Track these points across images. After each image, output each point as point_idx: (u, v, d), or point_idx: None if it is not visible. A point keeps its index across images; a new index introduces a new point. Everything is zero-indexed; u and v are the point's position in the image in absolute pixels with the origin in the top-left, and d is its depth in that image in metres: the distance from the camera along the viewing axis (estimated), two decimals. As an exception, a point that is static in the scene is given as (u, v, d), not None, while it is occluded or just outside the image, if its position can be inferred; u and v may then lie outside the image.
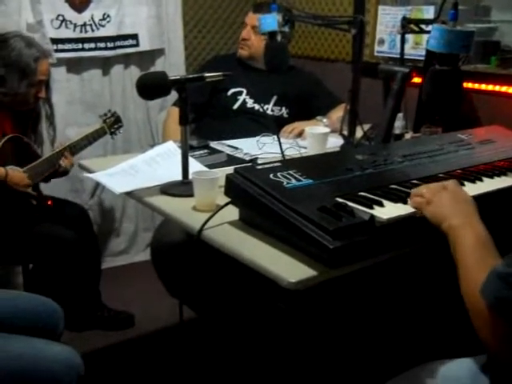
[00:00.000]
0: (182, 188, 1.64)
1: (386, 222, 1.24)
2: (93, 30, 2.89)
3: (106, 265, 2.95)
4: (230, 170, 1.46)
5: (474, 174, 1.56)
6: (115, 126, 2.53)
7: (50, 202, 2.35)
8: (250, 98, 2.68)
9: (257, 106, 2.67)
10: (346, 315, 1.93)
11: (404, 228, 1.26)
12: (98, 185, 3.01)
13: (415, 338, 1.94)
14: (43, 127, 2.47)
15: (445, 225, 1.16)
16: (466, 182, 1.50)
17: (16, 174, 2.12)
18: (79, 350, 1.48)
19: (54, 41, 2.78)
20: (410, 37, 2.62)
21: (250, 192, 1.33)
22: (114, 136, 2.56)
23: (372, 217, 1.23)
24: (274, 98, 2.71)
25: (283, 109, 2.72)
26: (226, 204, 1.44)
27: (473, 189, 1.47)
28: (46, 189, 2.50)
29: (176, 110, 2.44)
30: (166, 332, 2.57)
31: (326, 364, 1.90)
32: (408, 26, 2.21)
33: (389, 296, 1.95)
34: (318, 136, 2.09)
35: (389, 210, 1.28)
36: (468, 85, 2.37)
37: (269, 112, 2.67)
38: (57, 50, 2.80)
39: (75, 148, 2.37)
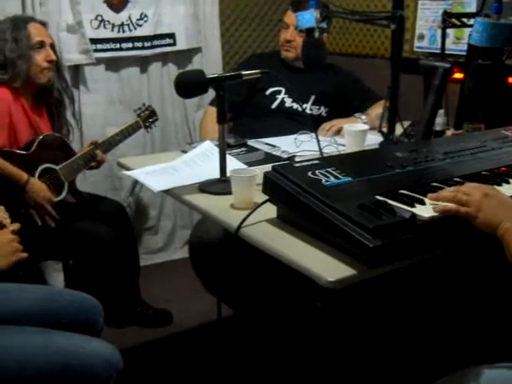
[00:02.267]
0: (220, 186, 1.64)
1: (428, 221, 1.22)
2: (130, 30, 2.93)
3: (144, 262, 2.97)
4: (267, 167, 1.46)
5: (519, 171, 1.51)
6: (150, 120, 2.53)
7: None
8: (289, 97, 2.66)
9: (295, 105, 2.65)
10: (385, 315, 1.91)
11: (446, 226, 1.22)
12: (136, 183, 3.04)
13: (460, 340, 1.90)
14: (68, 113, 2.48)
15: (499, 231, 1.15)
16: (511, 180, 1.45)
17: (37, 183, 2.13)
18: (118, 346, 1.50)
19: (93, 41, 2.82)
20: (450, 31, 2.57)
21: (288, 190, 1.32)
22: (149, 129, 2.56)
23: (413, 215, 1.21)
24: (313, 97, 2.69)
25: (322, 108, 2.70)
26: (264, 202, 1.44)
27: (518, 186, 1.43)
28: (86, 186, 2.54)
29: (213, 109, 2.46)
30: (204, 329, 2.58)
31: (364, 364, 1.88)
32: (449, 20, 2.16)
33: (431, 295, 1.91)
34: (357, 133, 2.06)
35: (430, 208, 1.25)
36: (512, 79, 2.31)
37: (307, 111, 2.66)
38: (96, 50, 2.84)
39: (110, 144, 2.39)
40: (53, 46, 2.30)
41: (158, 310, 2.64)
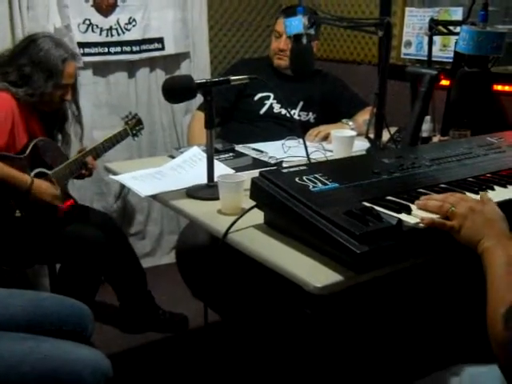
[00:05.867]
0: (207, 191, 1.64)
1: (414, 227, 1.22)
2: (118, 34, 2.92)
3: (131, 267, 2.96)
4: (255, 173, 1.46)
5: (504, 178, 1.53)
6: (137, 128, 2.57)
7: (70, 203, 2.37)
8: (277, 102, 2.67)
9: (283, 111, 2.66)
10: (372, 320, 1.91)
11: (432, 233, 1.23)
12: (123, 187, 3.03)
13: (442, 341, 1.91)
14: (71, 127, 2.47)
15: (479, 248, 1.15)
16: (496, 187, 1.46)
17: (42, 183, 2.13)
18: (106, 352, 1.48)
19: (81, 45, 2.81)
20: (437, 39, 2.58)
21: (276, 196, 1.32)
22: (135, 138, 2.58)
23: (399, 221, 1.21)
24: (301, 103, 2.70)
25: (310, 114, 2.71)
26: (252, 207, 1.44)
27: (503, 193, 1.44)
28: (73, 191, 2.53)
29: (201, 114, 2.46)
30: (191, 335, 2.58)
31: (352, 368, 1.88)
32: (436, 27, 2.18)
33: (416, 300, 1.92)
34: (344, 139, 2.07)
35: (417, 215, 1.26)
36: (498, 87, 2.33)
37: (295, 117, 2.66)
38: (83, 54, 2.82)
39: (100, 150, 2.40)
40: (73, 85, 2.31)
41: (174, 315, 2.64)
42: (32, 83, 2.15)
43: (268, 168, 1.80)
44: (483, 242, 1.14)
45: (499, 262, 1.09)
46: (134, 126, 2.54)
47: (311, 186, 1.33)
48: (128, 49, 2.96)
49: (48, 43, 2.19)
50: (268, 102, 2.68)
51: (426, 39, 2.44)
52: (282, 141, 2.22)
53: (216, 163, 1.70)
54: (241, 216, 1.41)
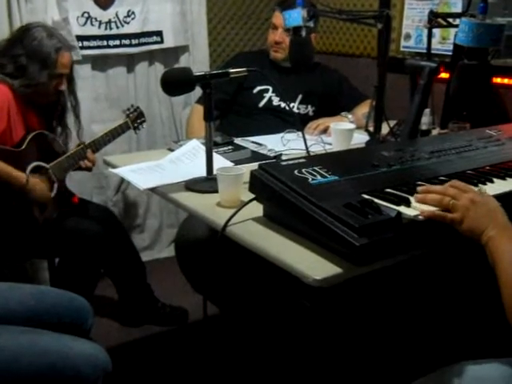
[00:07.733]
0: (206, 184, 1.64)
1: (413, 219, 1.22)
2: (117, 27, 2.91)
3: (130, 261, 2.96)
4: (254, 166, 1.45)
5: (503, 170, 1.53)
6: (138, 121, 2.53)
7: (75, 200, 2.37)
8: (276, 95, 2.66)
9: (283, 104, 2.65)
10: (371, 313, 1.91)
11: (432, 225, 1.23)
12: (122, 181, 3.03)
13: (443, 337, 1.91)
14: (70, 119, 2.45)
15: (483, 238, 1.15)
16: (495, 179, 1.47)
17: (37, 182, 2.12)
18: (105, 345, 1.49)
19: (80, 38, 2.80)
20: (436, 31, 2.58)
21: (275, 188, 1.32)
22: (137, 131, 2.55)
23: (399, 214, 1.21)
24: (300, 96, 2.69)
25: (309, 107, 2.71)
26: (251, 200, 1.43)
27: (503, 186, 1.44)
28: (72, 185, 2.53)
29: (200, 107, 2.45)
30: (190, 328, 2.58)
31: (351, 363, 1.88)
32: (435, 20, 2.17)
33: (416, 294, 1.92)
34: (343, 132, 2.07)
35: (416, 207, 1.26)
36: (497, 80, 2.33)
37: (294, 110, 2.66)
38: (82, 47, 2.82)
39: (99, 143, 2.38)
40: (69, 75, 2.29)
41: (173, 308, 2.64)
42: (27, 74, 2.14)
43: (267, 161, 1.79)
44: (487, 231, 1.14)
45: (507, 249, 1.09)
46: (135, 118, 2.51)
47: (310, 179, 1.33)
48: (127, 42, 2.95)
49: (41, 32, 2.18)
50: (267, 95, 2.67)
51: (425, 32, 2.44)
52: (281, 134, 2.22)
53: (215, 156, 1.70)
54: (240, 209, 1.41)
